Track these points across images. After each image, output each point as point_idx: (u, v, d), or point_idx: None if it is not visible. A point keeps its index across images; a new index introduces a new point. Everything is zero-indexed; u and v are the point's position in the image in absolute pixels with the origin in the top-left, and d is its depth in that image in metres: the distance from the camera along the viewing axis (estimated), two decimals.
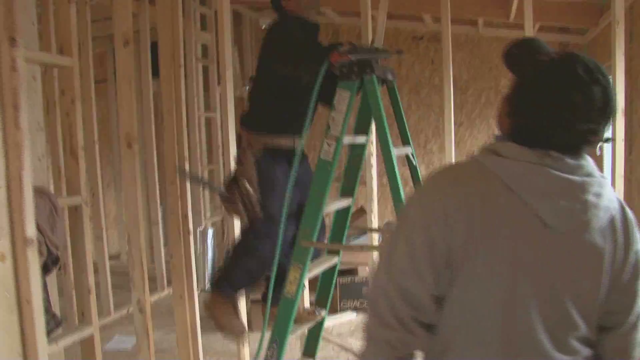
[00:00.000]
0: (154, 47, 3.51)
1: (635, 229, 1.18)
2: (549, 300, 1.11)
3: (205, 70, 5.64)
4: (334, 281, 2.90)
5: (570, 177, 1.10)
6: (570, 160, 1.12)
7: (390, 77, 2.51)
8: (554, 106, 1.10)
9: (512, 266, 1.10)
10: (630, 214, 1.19)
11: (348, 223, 2.81)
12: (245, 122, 2.76)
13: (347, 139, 2.45)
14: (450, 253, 1.11)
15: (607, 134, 1.22)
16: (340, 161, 2.54)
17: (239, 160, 2.71)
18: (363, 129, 2.67)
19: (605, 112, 1.10)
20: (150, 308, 2.89)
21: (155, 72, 3.78)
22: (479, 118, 5.92)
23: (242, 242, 2.80)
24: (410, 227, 1.16)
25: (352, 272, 4.52)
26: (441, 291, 1.14)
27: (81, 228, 2.62)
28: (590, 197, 1.10)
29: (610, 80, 1.13)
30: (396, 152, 2.58)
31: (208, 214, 5.49)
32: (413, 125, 6.08)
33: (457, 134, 5.96)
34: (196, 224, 4.60)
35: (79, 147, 2.63)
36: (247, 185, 2.62)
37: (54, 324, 2.50)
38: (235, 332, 2.84)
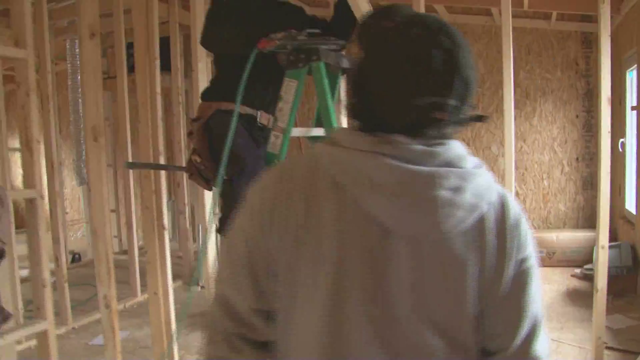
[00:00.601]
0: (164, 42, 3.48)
1: (521, 232, 0.95)
2: (391, 321, 0.91)
3: None
4: None
5: (414, 167, 0.87)
6: (416, 147, 0.89)
7: (345, 64, 2.36)
8: (384, 77, 0.91)
9: (339, 279, 0.90)
10: (515, 214, 0.96)
11: None
12: (202, 94, 2.63)
13: (297, 131, 2.32)
14: (271, 261, 0.94)
15: (475, 110, 1.00)
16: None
17: (190, 132, 2.58)
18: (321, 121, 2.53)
19: (452, 82, 0.88)
20: (139, 305, 2.88)
21: (164, 67, 3.76)
22: (496, 113, 5.65)
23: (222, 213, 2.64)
24: (233, 230, 1.01)
25: None
26: (266, 305, 0.97)
27: (36, 221, 2.60)
28: (443, 193, 0.87)
29: (462, 42, 0.91)
30: None
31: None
32: None
33: (473, 130, 5.73)
34: (200, 219, 4.53)
35: (33, 140, 2.60)
36: (196, 157, 2.51)
37: (1, 318, 2.47)
38: None
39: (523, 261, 0.94)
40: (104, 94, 5.72)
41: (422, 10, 2.92)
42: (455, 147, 0.93)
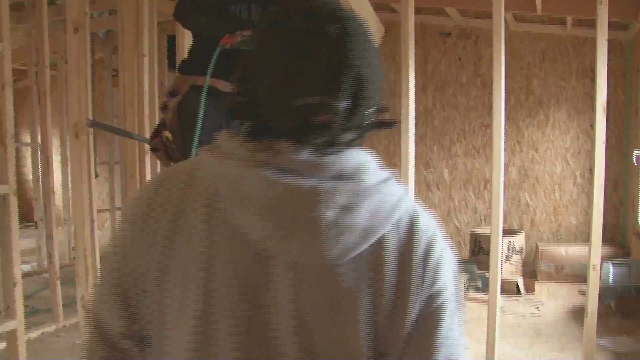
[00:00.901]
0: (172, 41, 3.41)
1: (432, 261, 0.79)
2: (268, 357, 0.78)
3: None
4: None
5: (295, 180, 0.74)
6: (301, 156, 0.75)
7: None
8: (265, 73, 0.78)
9: (206, 306, 0.77)
10: (427, 239, 0.80)
11: None
12: (178, 67, 2.49)
13: None
14: (140, 279, 0.82)
15: (381, 115, 0.85)
16: None
17: (163, 105, 2.42)
18: None
19: (339, 78, 0.74)
20: None
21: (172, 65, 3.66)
22: (507, 120, 5.45)
23: None
24: (109, 244, 0.90)
25: None
26: (139, 327, 0.85)
27: (8, 218, 2.55)
28: (328, 212, 0.73)
29: (357, 31, 0.77)
30: None
31: None
32: (437, 126, 5.73)
33: (485, 137, 5.55)
34: None
35: (7, 135, 2.55)
36: (168, 134, 2.39)
37: None
38: None
39: (434, 297, 0.79)
40: (113, 90, 5.73)
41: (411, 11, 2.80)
42: (353, 157, 0.78)
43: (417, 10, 5.79)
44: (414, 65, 2.80)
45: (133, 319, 0.84)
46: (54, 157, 4.40)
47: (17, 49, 6.01)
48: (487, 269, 4.93)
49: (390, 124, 0.86)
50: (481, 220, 5.60)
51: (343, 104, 0.75)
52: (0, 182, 2.51)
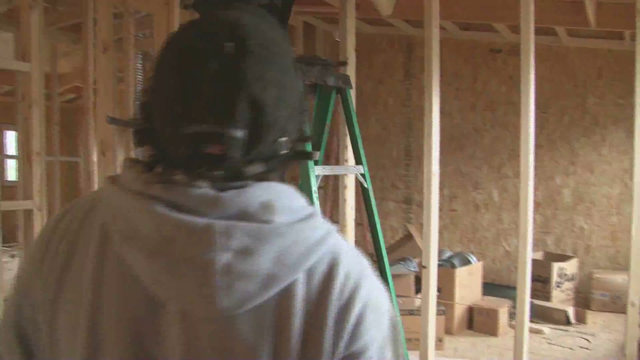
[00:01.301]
0: None
1: (354, 315, 0.69)
2: None
3: None
4: None
5: (187, 218, 0.65)
6: (196, 190, 0.67)
7: (332, 82, 2.19)
8: (157, 96, 0.70)
9: (92, 354, 0.70)
10: (350, 288, 0.70)
11: None
12: None
13: None
14: (35, 315, 0.75)
15: (302, 143, 0.76)
16: None
17: None
18: (317, 144, 2.36)
19: (232, 104, 0.65)
20: None
21: None
22: (560, 140, 5.22)
23: None
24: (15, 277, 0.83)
25: None
26: None
27: (32, 232, 2.60)
28: (223, 256, 0.64)
29: (258, 49, 0.67)
30: (344, 170, 2.27)
31: None
32: (487, 146, 5.53)
33: (536, 158, 5.30)
34: None
35: (33, 153, 2.62)
36: None
37: None
38: None
39: (353, 357, 0.68)
40: None
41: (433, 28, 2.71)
42: (261, 193, 0.68)
43: (467, 27, 5.69)
44: (438, 84, 2.67)
45: (29, 357, 0.77)
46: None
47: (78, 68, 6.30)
48: (535, 295, 4.69)
49: (306, 155, 0.78)
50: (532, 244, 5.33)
51: (238, 133, 0.66)
52: (25, 198, 2.58)
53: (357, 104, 6.26)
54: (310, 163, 1.97)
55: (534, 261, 4.81)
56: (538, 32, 5.15)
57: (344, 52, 2.61)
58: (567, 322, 4.41)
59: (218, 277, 0.64)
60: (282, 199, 0.70)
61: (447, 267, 4.31)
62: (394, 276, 4.06)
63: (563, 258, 4.88)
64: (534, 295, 4.63)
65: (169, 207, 0.66)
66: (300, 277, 0.68)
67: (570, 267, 4.78)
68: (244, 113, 0.65)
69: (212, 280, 0.64)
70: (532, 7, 2.51)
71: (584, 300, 4.84)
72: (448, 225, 5.74)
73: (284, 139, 0.71)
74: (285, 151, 0.71)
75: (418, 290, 4.24)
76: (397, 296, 3.93)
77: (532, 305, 4.45)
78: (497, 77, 5.51)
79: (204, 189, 0.67)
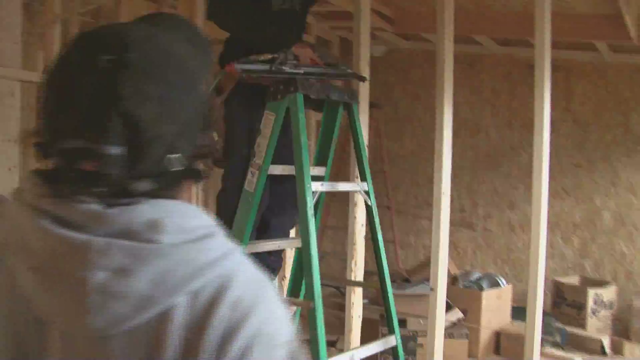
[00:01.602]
0: None
1: (241, 343, 0.64)
2: None
3: None
4: None
5: (69, 234, 0.63)
6: (82, 205, 0.65)
7: (336, 97, 2.15)
8: (42, 109, 0.69)
9: None
10: (238, 316, 0.65)
11: None
12: (220, 58, 2.40)
13: (277, 169, 2.13)
14: None
15: (192, 161, 0.73)
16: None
17: None
18: (323, 160, 2.32)
19: (103, 119, 0.63)
20: None
21: None
22: (601, 160, 4.99)
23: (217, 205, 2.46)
24: None
25: (399, 323, 4.02)
26: None
27: None
28: (99, 275, 0.62)
29: (137, 62, 0.65)
30: (346, 187, 2.22)
31: None
32: (524, 165, 5.34)
33: (575, 177, 5.10)
34: None
35: None
36: (215, 136, 2.32)
37: None
38: None
39: None
40: None
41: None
42: (148, 211, 0.66)
43: (505, 43, 5.54)
44: (451, 101, 2.59)
45: None
46: None
47: None
48: (569, 322, 4.48)
49: (197, 173, 0.74)
50: (569, 268, 5.11)
51: (113, 150, 0.64)
52: None
53: (392, 120, 6.23)
54: (307, 178, 1.93)
55: (569, 286, 4.62)
56: (578, 47, 5.00)
57: (357, 66, 2.56)
58: (602, 353, 4.19)
59: (91, 296, 0.62)
60: (174, 217, 0.67)
61: (474, 289, 4.17)
62: (418, 296, 3.96)
63: (601, 284, 4.65)
64: (567, 322, 4.44)
65: (55, 221, 0.64)
66: (183, 301, 0.64)
67: (608, 293, 4.54)
68: (118, 129, 0.63)
69: (85, 298, 0.62)
70: (547, 21, 2.40)
71: (622, 330, 4.58)
72: (481, 246, 5.58)
73: (174, 155, 0.68)
74: (177, 168, 0.69)
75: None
76: (418, 316, 3.83)
77: (566, 333, 4.26)
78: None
79: (90, 205, 0.65)
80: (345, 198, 2.97)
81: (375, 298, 4.44)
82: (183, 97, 0.68)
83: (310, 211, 1.90)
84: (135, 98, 0.64)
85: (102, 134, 0.63)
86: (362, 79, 2.20)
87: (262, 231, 2.42)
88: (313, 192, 1.94)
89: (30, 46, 3.24)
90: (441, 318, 2.42)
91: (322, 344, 1.82)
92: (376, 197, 6.02)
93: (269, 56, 2.05)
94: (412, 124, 6.06)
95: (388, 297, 2.15)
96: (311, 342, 1.85)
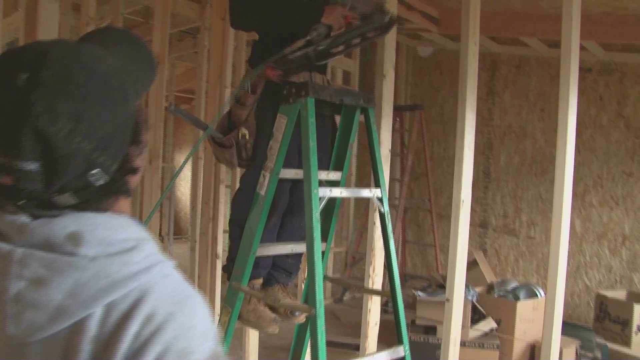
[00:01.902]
0: None
1: (152, 356, 0.64)
2: None
3: None
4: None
5: None
6: (9, 217, 0.69)
7: (349, 101, 2.11)
8: None
9: None
10: (148, 327, 0.65)
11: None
12: (249, 58, 2.39)
13: (289, 173, 2.12)
14: None
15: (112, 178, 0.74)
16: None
17: (241, 100, 2.29)
18: (340, 164, 2.29)
19: (18, 137, 0.64)
20: None
21: None
22: None
23: (232, 204, 2.42)
24: None
25: (429, 330, 3.95)
26: None
27: None
28: (17, 284, 0.65)
29: (52, 81, 0.66)
30: (357, 193, 2.18)
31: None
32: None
33: (626, 186, 4.86)
34: None
35: None
36: (245, 131, 2.30)
37: None
38: (262, 325, 2.29)
39: None
40: None
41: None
42: (71, 224, 0.68)
43: (555, 44, 5.33)
44: (474, 107, 2.50)
45: None
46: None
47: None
48: (612, 338, 4.27)
49: (125, 188, 0.75)
50: (616, 281, 4.88)
51: (28, 166, 0.65)
52: None
53: (438, 122, 6.12)
54: (314, 184, 1.90)
55: (613, 300, 4.41)
56: (633, 50, 4.75)
57: (381, 68, 2.51)
58: None
59: (9, 305, 0.64)
60: (97, 230, 0.68)
61: (509, 299, 4.04)
62: None
63: None
64: (610, 338, 4.23)
65: None
66: (97, 314, 0.65)
67: None
68: (31, 146, 0.64)
69: (3, 307, 0.64)
70: (576, 17, 2.28)
71: None
72: (524, 254, 5.41)
73: (95, 170, 0.69)
74: (101, 182, 0.70)
75: (476, 320, 4.01)
76: None
77: (607, 350, 4.06)
78: (585, 97, 5.12)
79: (16, 216, 0.68)
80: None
81: (412, 303, 4.37)
82: (103, 113, 0.69)
83: (317, 217, 1.88)
84: (47, 115, 0.64)
85: (16, 150, 0.65)
86: (395, 21, 2.06)
87: (280, 233, 2.41)
88: (321, 197, 1.91)
89: None
90: (457, 330, 2.35)
91: (322, 352, 1.79)
92: (419, 200, 5.98)
93: (302, 42, 2.03)
94: (457, 125, 5.93)
95: (398, 306, 2.10)
96: (312, 348, 1.83)
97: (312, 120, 1.96)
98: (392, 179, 6.13)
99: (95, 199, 0.71)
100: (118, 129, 0.71)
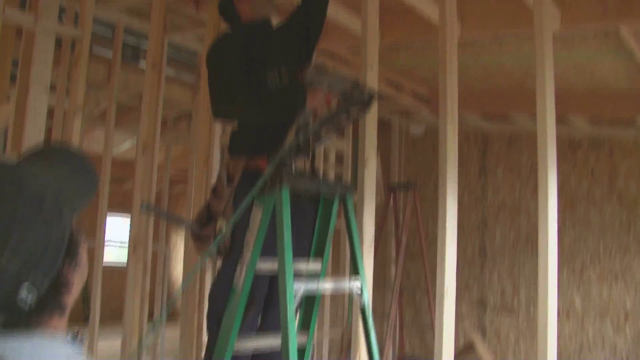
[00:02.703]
0: None
1: None
2: None
3: (339, 177, 5.62)
4: None
5: None
6: None
7: (326, 190, 2.10)
8: None
9: None
10: None
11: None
12: (229, 148, 2.38)
13: (265, 265, 2.08)
14: None
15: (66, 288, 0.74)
16: None
17: (216, 192, 2.30)
18: (320, 254, 2.24)
19: None
20: None
21: None
22: None
23: (210, 297, 2.36)
24: None
25: None
26: None
27: None
28: None
29: None
30: (336, 285, 2.13)
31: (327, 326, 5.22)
32: (567, 247, 5.08)
33: (624, 261, 4.78)
34: None
35: None
36: (224, 227, 2.25)
37: None
38: None
39: None
40: None
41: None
42: None
43: None
44: (455, 192, 2.47)
45: None
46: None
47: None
48: None
49: (58, 304, 0.73)
50: None
51: None
52: None
53: (433, 200, 6.09)
54: (289, 277, 1.86)
55: None
56: (620, 123, 4.79)
57: (362, 152, 2.51)
58: None
59: None
60: (21, 358, 0.67)
61: None
62: None
63: None
64: None
65: None
66: None
67: None
68: None
69: None
70: (549, 92, 2.29)
71: None
72: (525, 333, 5.26)
73: (24, 288, 0.68)
74: (31, 300, 0.69)
75: None
76: None
77: None
78: (577, 172, 5.13)
79: None
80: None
81: None
82: (33, 231, 0.69)
83: (291, 314, 1.82)
84: None
85: None
86: (375, 95, 2.06)
87: (262, 325, 2.34)
88: (296, 290, 1.86)
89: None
90: None
91: None
92: (415, 280, 5.87)
93: (293, 133, 2.04)
94: (438, 214, 5.92)
95: None
96: None
97: (286, 213, 1.93)
98: (387, 260, 6.05)
99: (25, 318, 0.70)
100: (50, 246, 0.71)
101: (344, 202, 2.17)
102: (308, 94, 2.10)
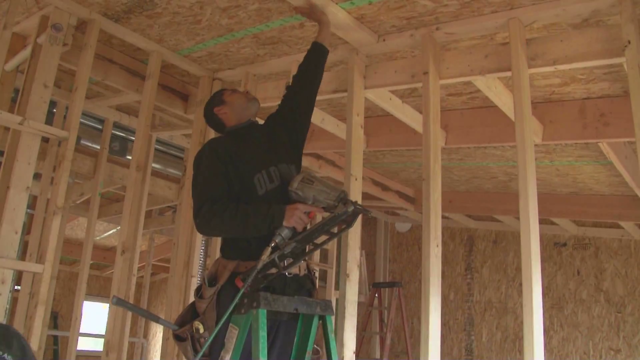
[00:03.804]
0: None
1: None
2: None
3: (323, 275, 5.51)
4: None
5: None
6: None
7: (304, 310, 2.03)
8: None
9: None
10: None
11: None
12: (220, 248, 2.29)
13: None
14: None
15: None
16: None
17: (199, 292, 2.21)
18: None
19: None
20: None
21: None
22: None
23: None
24: None
25: None
26: None
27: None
28: None
29: None
30: None
31: None
32: (555, 348, 4.97)
33: None
34: None
35: None
36: (199, 325, 2.12)
37: None
38: None
39: None
40: None
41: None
42: None
43: None
44: (438, 290, 2.43)
45: None
46: None
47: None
48: None
49: None
50: None
51: None
52: None
53: (418, 298, 5.99)
54: None
55: None
56: (605, 225, 4.82)
57: (344, 268, 2.47)
58: None
59: None
60: None
61: None
62: None
63: None
64: None
65: None
66: None
67: None
68: None
69: None
70: (532, 195, 2.29)
71: None
72: None
73: None
74: None
75: None
76: None
77: None
78: (563, 272, 5.11)
79: None
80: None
81: None
82: None
83: None
84: None
85: None
86: (360, 212, 2.00)
87: None
88: None
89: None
90: None
91: None
92: None
93: (269, 250, 1.97)
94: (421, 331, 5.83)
95: None
96: None
97: (262, 334, 1.86)
98: None
99: None
100: None
101: (323, 322, 2.10)
102: (286, 212, 2.06)
